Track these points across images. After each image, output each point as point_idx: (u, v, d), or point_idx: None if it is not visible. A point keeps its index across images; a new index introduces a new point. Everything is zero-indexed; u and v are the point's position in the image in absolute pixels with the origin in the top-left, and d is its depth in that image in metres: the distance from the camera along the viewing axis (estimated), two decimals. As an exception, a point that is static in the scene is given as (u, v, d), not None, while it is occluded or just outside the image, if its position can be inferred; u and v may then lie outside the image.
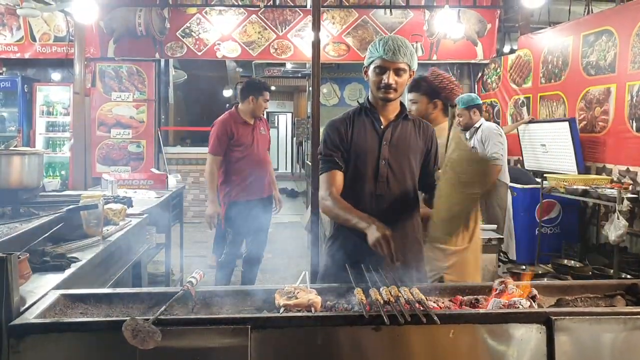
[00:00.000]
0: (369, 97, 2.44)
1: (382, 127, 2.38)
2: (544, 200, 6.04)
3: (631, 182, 5.47)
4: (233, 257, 4.62)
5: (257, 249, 4.65)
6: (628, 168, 5.69)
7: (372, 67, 2.33)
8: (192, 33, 8.09)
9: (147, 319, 1.58)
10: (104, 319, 1.69)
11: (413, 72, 2.35)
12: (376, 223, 2.06)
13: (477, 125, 4.88)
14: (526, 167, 6.86)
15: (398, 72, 2.29)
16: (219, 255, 4.89)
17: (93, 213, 2.84)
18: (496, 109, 8.40)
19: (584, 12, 7.70)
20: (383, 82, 2.29)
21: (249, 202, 4.48)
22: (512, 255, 4.78)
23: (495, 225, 3.95)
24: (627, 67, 5.78)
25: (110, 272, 2.81)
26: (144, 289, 2.10)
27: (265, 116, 4.88)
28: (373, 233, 2.01)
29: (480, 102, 5.06)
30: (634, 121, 5.66)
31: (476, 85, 8.86)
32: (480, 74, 8.80)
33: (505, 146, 4.75)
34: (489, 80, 8.65)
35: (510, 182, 5.42)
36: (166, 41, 8.10)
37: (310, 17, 6.61)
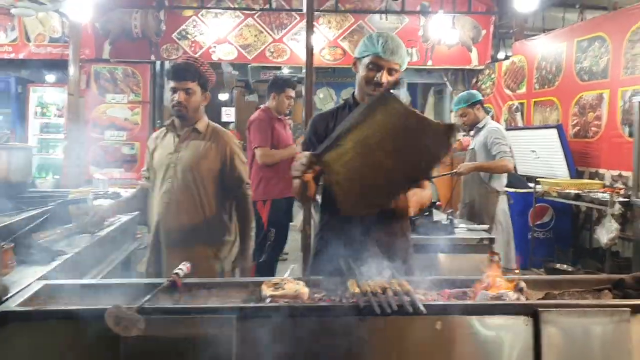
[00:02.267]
0: (355, 93, 2.43)
1: None
2: (537, 205, 6.05)
3: (623, 186, 5.49)
4: (276, 258, 4.65)
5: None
6: (620, 173, 5.70)
7: (365, 61, 2.30)
8: (188, 35, 8.09)
9: (131, 307, 1.57)
10: (87, 307, 1.67)
11: (400, 72, 2.36)
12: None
13: (481, 125, 4.57)
14: (519, 172, 6.87)
15: (391, 71, 2.29)
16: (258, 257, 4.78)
17: (82, 208, 2.82)
18: (490, 114, 8.39)
19: (578, 18, 7.75)
20: (376, 79, 2.27)
21: (289, 199, 4.58)
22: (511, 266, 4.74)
23: (487, 226, 3.92)
24: (620, 72, 5.81)
25: (98, 267, 2.80)
26: (130, 280, 2.09)
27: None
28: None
29: (481, 97, 4.75)
30: (626, 126, 5.68)
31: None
32: (474, 80, 8.82)
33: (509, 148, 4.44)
34: (483, 86, 8.68)
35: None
36: (162, 43, 8.09)
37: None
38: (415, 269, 2.44)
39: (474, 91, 4.81)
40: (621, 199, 4.79)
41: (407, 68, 7.71)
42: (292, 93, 4.70)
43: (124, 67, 8.33)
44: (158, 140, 2.92)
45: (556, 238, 6.19)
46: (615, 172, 5.80)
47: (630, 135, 5.50)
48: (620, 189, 5.40)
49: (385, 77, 2.27)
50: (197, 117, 2.84)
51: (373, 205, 2.03)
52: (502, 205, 4.45)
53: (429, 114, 9.98)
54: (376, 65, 2.27)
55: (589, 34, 6.37)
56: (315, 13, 7.99)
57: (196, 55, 8.06)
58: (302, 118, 10.26)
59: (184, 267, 2.00)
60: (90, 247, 2.67)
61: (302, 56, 8.11)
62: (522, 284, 1.84)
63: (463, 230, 3.66)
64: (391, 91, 1.96)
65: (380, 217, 2.28)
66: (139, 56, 8.14)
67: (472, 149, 4.62)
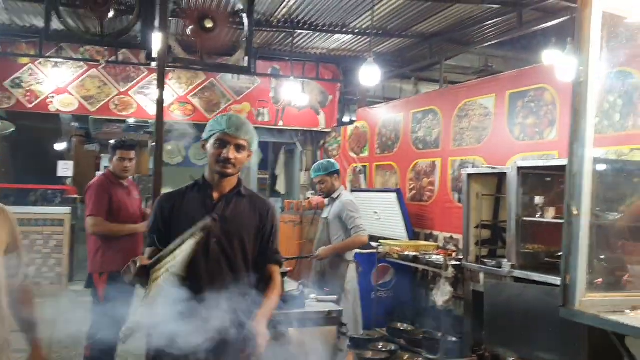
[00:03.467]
0: (205, 173, 2.43)
1: (213, 202, 2.35)
2: (379, 265, 6.36)
3: (455, 248, 5.99)
4: (116, 336, 4.19)
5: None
6: (452, 235, 6.23)
7: (212, 140, 2.33)
8: (23, 84, 7.47)
9: None
10: None
11: (251, 152, 2.40)
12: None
13: (335, 195, 4.75)
14: (364, 233, 7.18)
15: (238, 148, 2.32)
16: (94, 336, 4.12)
17: None
18: (337, 175, 8.81)
19: (413, 89, 8.51)
20: (223, 155, 2.30)
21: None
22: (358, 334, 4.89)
23: (336, 296, 4.01)
24: (450, 144, 6.44)
25: None
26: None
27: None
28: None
29: (338, 167, 4.95)
30: (455, 193, 6.27)
31: (319, 152, 9.25)
32: (323, 141, 9.22)
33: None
34: (330, 148, 9.09)
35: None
36: (-9, 91, 7.39)
37: (154, 75, 6.48)
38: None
39: (333, 161, 5.00)
40: (454, 262, 5.20)
41: (259, 127, 7.74)
42: (127, 154, 4.45)
43: (-58, 114, 7.46)
44: None
45: (397, 297, 6.52)
46: (448, 235, 6.33)
47: (459, 201, 6.06)
48: (453, 251, 5.88)
49: (232, 153, 2.30)
50: None
51: None
52: (352, 274, 4.63)
53: (280, 171, 10.17)
54: (222, 141, 2.31)
55: (423, 107, 7.00)
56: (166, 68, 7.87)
57: (31, 105, 7.49)
58: (148, 170, 9.93)
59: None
60: None
61: (149, 110, 7.91)
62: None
63: (313, 301, 3.71)
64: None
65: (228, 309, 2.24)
66: (-37, 104, 7.35)
67: (326, 218, 4.76)
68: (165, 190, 6.69)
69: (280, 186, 10.04)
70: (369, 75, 5.88)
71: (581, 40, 2.66)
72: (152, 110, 7.07)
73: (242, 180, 2.48)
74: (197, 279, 2.21)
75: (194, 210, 2.33)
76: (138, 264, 2.01)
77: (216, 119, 2.37)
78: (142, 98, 8.03)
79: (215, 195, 2.37)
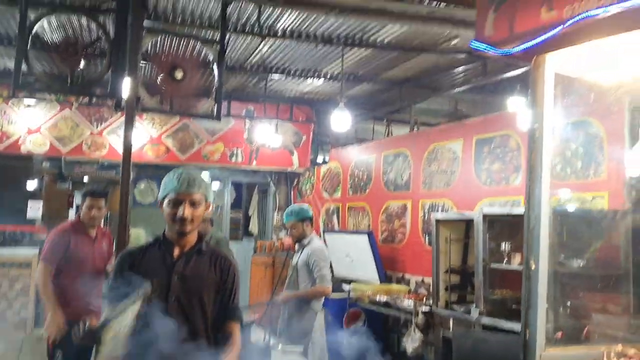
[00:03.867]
0: (166, 230, 2.42)
1: (173, 260, 2.35)
2: (351, 310, 6.33)
3: (426, 292, 6.01)
4: None
5: None
6: (423, 279, 6.26)
7: (166, 200, 2.33)
8: (-6, 124, 7.42)
9: None
10: None
11: (209, 204, 2.41)
12: None
13: (305, 242, 4.62)
14: (335, 275, 7.17)
15: (193, 204, 2.32)
16: None
17: None
18: (310, 215, 8.81)
19: (385, 131, 8.63)
20: (178, 215, 2.29)
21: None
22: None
23: (302, 347, 3.97)
24: (420, 186, 6.52)
25: None
26: None
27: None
28: None
29: (311, 214, 4.77)
30: (426, 235, 6.32)
31: (292, 192, 9.28)
32: (296, 181, 9.26)
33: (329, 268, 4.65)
34: (304, 188, 9.13)
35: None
36: (-40, 131, 7.31)
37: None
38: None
39: (306, 206, 4.82)
40: (424, 309, 5.20)
41: (232, 168, 7.69)
42: (96, 202, 4.36)
43: None
44: None
45: (368, 342, 6.43)
46: (419, 278, 6.35)
47: (429, 243, 6.10)
48: (424, 295, 5.89)
49: (187, 211, 2.30)
50: None
51: None
52: (319, 323, 4.56)
53: (253, 211, 10.14)
54: (176, 200, 2.30)
55: (394, 149, 7.11)
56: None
57: (2, 146, 7.42)
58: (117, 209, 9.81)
59: None
60: None
61: (122, 151, 7.85)
62: None
63: (279, 353, 3.67)
64: None
65: None
66: None
67: (295, 265, 4.69)
68: (134, 230, 6.60)
69: (254, 227, 10.00)
70: (340, 120, 5.99)
71: (535, 98, 2.74)
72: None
73: (203, 236, 2.49)
74: (154, 338, 2.20)
75: (154, 268, 2.33)
76: (87, 326, 1.99)
77: (168, 176, 2.36)
78: (115, 139, 7.99)
79: (176, 252, 2.38)
